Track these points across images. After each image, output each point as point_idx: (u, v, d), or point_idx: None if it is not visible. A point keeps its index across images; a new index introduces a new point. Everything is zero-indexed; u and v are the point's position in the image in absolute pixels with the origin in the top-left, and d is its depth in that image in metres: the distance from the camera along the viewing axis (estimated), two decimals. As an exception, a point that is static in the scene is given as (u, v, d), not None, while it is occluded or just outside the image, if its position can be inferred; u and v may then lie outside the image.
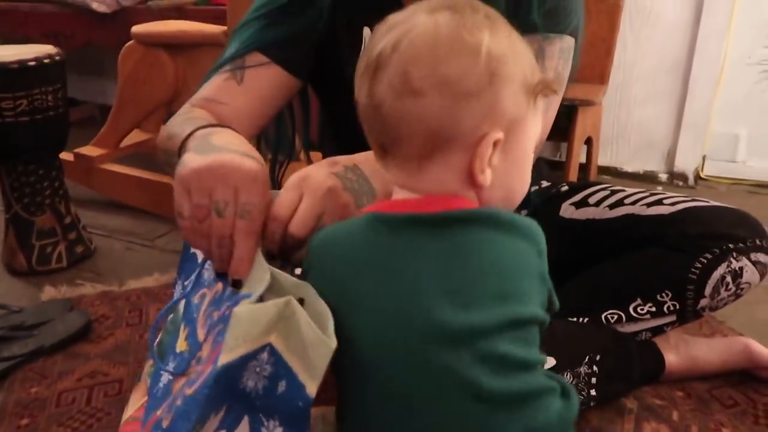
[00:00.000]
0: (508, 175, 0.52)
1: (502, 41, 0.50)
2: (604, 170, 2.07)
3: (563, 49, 0.90)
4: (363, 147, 0.61)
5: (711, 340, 1.07)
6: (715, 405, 0.97)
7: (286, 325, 0.53)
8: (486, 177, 0.50)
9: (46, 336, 1.14)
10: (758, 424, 0.93)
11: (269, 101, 0.90)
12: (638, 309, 0.93)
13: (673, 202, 0.96)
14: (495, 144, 0.50)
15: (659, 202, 0.96)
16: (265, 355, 0.54)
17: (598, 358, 0.91)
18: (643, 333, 0.96)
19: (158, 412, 0.63)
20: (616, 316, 0.94)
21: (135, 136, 1.96)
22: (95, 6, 2.21)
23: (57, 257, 1.45)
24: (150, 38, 1.71)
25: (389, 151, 0.53)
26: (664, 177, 2.03)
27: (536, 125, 0.53)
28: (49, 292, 1.33)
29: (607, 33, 1.84)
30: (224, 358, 0.51)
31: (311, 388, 0.51)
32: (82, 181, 1.84)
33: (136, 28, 1.74)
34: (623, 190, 1.02)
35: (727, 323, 1.19)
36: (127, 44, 1.77)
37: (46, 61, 1.33)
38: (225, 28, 1.60)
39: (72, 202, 1.52)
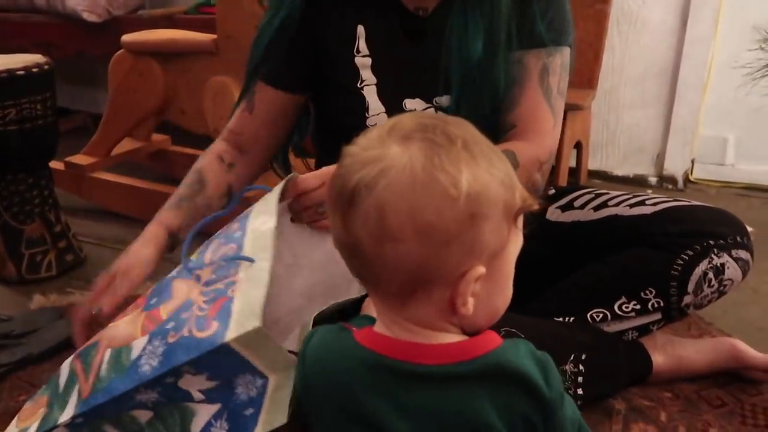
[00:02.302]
0: (490, 298, 0.51)
1: (481, 175, 0.47)
2: (594, 174, 2.08)
3: (564, 63, 0.94)
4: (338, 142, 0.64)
5: (698, 341, 1.08)
6: (703, 405, 0.97)
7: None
8: (469, 308, 0.49)
9: (35, 344, 1.14)
10: (745, 425, 0.93)
11: (279, 122, 1.01)
12: (623, 307, 0.94)
13: (655, 203, 0.97)
14: (477, 278, 0.48)
15: (642, 203, 0.98)
16: (258, 381, 0.61)
17: (584, 357, 0.91)
18: (629, 332, 0.97)
19: (163, 314, 0.67)
20: (601, 315, 0.95)
21: (126, 145, 1.96)
22: (86, 16, 2.22)
23: (47, 266, 1.45)
24: (140, 47, 1.72)
25: (369, 285, 0.52)
26: (653, 180, 2.05)
27: (518, 242, 0.52)
28: (38, 301, 1.33)
29: (594, 38, 1.85)
30: (230, 335, 0.58)
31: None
32: (72, 189, 1.84)
33: (126, 37, 1.74)
34: (607, 193, 1.04)
35: (715, 324, 1.20)
36: (117, 53, 1.77)
37: (34, 70, 1.34)
38: (215, 36, 1.61)
39: (62, 210, 1.52)
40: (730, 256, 0.91)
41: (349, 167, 0.49)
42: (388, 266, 0.47)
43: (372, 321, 0.61)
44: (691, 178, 2.05)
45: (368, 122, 0.95)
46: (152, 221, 0.91)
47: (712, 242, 0.91)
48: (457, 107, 0.91)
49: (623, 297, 0.94)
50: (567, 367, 0.90)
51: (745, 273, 0.94)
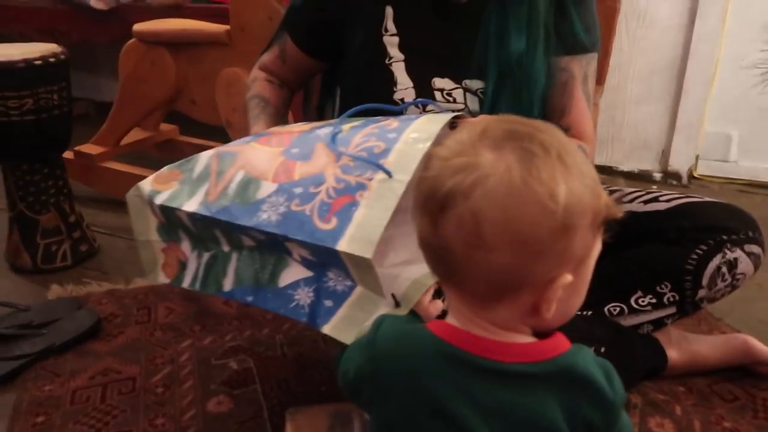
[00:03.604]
0: (569, 301, 0.52)
1: (576, 186, 0.46)
2: (599, 169, 2.09)
3: (595, 69, 0.99)
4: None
5: (711, 337, 1.10)
6: (716, 400, 1.00)
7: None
8: (551, 312, 0.50)
9: (56, 334, 1.15)
10: (757, 418, 0.96)
11: (305, 74, 1.13)
12: (639, 301, 0.97)
13: (668, 199, 1.00)
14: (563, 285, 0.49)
15: (655, 200, 1.01)
16: (348, 282, 0.67)
17: (603, 350, 0.94)
18: (645, 326, 0.99)
19: (296, 174, 0.71)
20: (618, 309, 0.98)
21: (134, 134, 1.96)
22: (93, 3, 2.20)
23: (62, 256, 1.45)
24: (152, 36, 1.71)
25: (452, 284, 0.52)
26: (658, 176, 2.07)
27: (598, 247, 0.52)
28: (55, 291, 1.34)
29: (603, 35, 1.85)
30: (343, 246, 0.62)
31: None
32: (81, 179, 1.84)
33: (138, 26, 1.73)
34: (620, 190, 1.07)
35: (724, 320, 1.23)
36: (128, 42, 1.76)
37: (51, 60, 1.34)
38: (228, 27, 1.61)
39: (76, 200, 1.53)
40: (743, 250, 0.94)
41: (441, 171, 0.48)
42: (477, 272, 0.48)
43: (419, 319, 0.63)
44: (695, 174, 2.08)
45: (395, 96, 0.97)
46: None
47: (725, 237, 0.94)
48: (495, 97, 0.94)
49: (639, 291, 0.97)
50: None
51: (756, 267, 0.97)
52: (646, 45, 1.97)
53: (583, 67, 0.97)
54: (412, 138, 0.67)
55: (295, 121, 1.27)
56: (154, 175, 0.82)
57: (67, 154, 1.77)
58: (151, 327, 1.21)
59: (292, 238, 0.66)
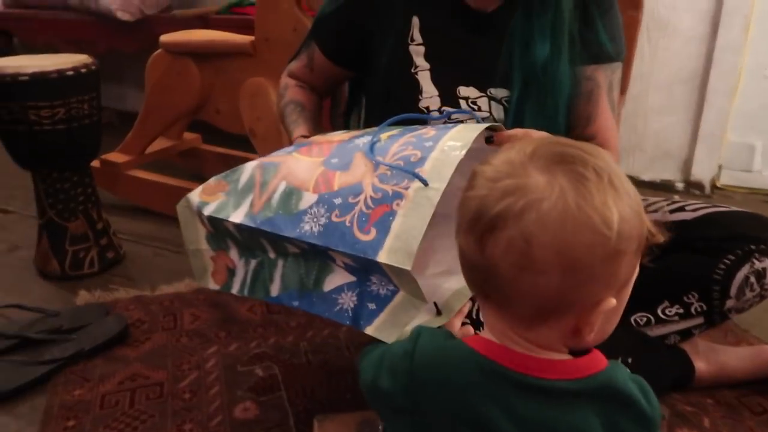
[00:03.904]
0: (607, 322, 0.52)
1: (627, 212, 0.46)
2: (620, 179, 2.09)
3: (619, 79, 1.00)
4: (387, 117, 0.78)
5: (739, 348, 1.09)
6: (745, 412, 0.99)
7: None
8: (593, 335, 0.50)
9: (85, 340, 1.17)
10: (787, 431, 0.95)
11: (331, 80, 1.14)
12: (666, 311, 0.97)
13: (695, 209, 1.00)
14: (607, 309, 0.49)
15: (681, 209, 1.01)
16: (391, 286, 0.68)
17: (630, 360, 0.93)
18: (672, 336, 0.99)
19: (336, 184, 0.72)
20: (644, 319, 0.98)
21: (158, 143, 1.98)
22: (119, 15, 2.25)
23: (89, 262, 1.48)
24: (178, 47, 1.74)
25: (493, 302, 0.52)
26: (680, 186, 2.06)
27: (637, 270, 0.52)
28: (83, 297, 1.36)
29: (626, 44, 1.86)
30: (383, 257, 0.64)
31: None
32: (107, 186, 1.87)
33: (164, 37, 1.76)
34: (645, 199, 1.06)
35: (751, 332, 1.21)
36: (155, 53, 1.80)
37: (83, 70, 1.37)
38: (252, 38, 1.64)
39: (103, 208, 1.55)
40: None
41: (489, 192, 0.48)
42: (524, 294, 0.48)
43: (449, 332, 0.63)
44: (718, 184, 2.06)
45: (420, 104, 0.98)
46: (295, 137, 1.02)
47: (753, 247, 0.93)
48: (520, 105, 0.95)
49: (666, 301, 0.97)
50: None
51: None
52: (667, 55, 1.96)
53: (608, 76, 0.98)
54: (447, 146, 0.68)
55: (322, 130, 1.30)
56: (201, 186, 0.85)
57: (94, 163, 1.81)
58: (177, 333, 1.23)
59: (334, 249, 0.68)
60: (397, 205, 0.65)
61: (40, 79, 1.31)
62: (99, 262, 1.49)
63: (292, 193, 0.75)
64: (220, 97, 1.76)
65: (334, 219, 0.69)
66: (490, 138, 0.74)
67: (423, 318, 0.66)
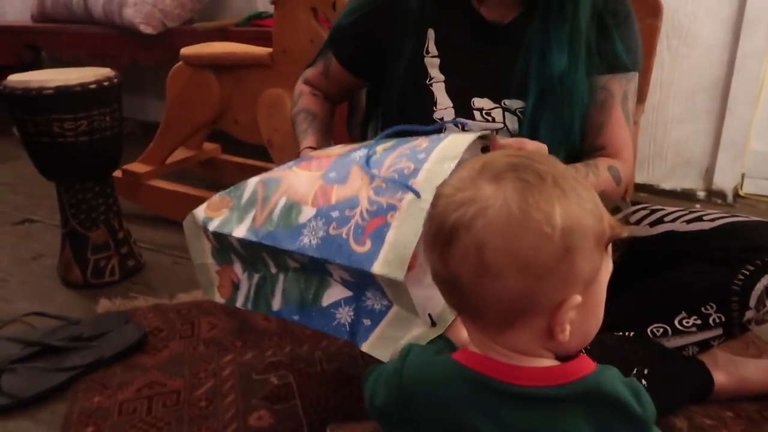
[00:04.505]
0: (584, 323, 0.53)
1: (573, 210, 0.48)
2: (640, 188, 2.07)
3: (635, 89, 1.00)
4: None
5: (760, 360, 1.07)
6: (766, 425, 0.97)
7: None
8: (566, 334, 0.51)
9: (105, 347, 1.19)
10: (811, 446, 0.93)
11: (346, 89, 1.17)
12: (684, 322, 0.95)
13: (712, 218, 0.98)
14: (574, 306, 0.50)
15: (699, 219, 0.99)
16: (385, 301, 0.69)
17: (646, 372, 0.92)
18: (690, 348, 0.97)
19: (333, 197, 0.74)
20: (661, 330, 0.96)
21: (178, 153, 2.02)
22: (142, 28, 2.30)
23: (110, 271, 1.50)
24: (198, 59, 1.78)
25: (465, 314, 0.55)
26: (702, 195, 2.03)
27: (608, 268, 0.53)
28: (104, 305, 1.38)
29: (644, 53, 1.84)
30: (377, 268, 0.65)
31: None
32: (128, 196, 1.90)
33: (185, 50, 1.80)
34: (663, 209, 1.05)
35: (774, 344, 1.19)
36: (175, 65, 1.83)
37: (105, 84, 1.40)
38: (270, 50, 1.66)
39: (124, 217, 1.58)
40: None
41: (445, 207, 0.51)
42: (488, 299, 0.50)
43: (452, 347, 0.64)
44: (741, 192, 2.03)
45: (435, 115, 0.99)
46: (302, 148, 1.05)
47: None
48: (535, 116, 0.95)
49: (683, 312, 0.95)
50: None
51: None
52: (688, 64, 1.94)
53: (623, 86, 0.97)
54: (439, 158, 0.69)
55: (339, 136, 1.32)
56: (207, 202, 0.86)
57: (116, 173, 1.84)
58: (194, 341, 1.24)
59: (331, 261, 0.69)
60: (392, 216, 0.67)
61: (64, 92, 1.34)
62: (120, 270, 1.52)
63: (292, 207, 0.76)
64: (239, 108, 1.78)
65: (332, 232, 0.71)
66: (486, 148, 0.75)
67: (417, 331, 0.66)
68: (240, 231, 0.79)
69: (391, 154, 0.74)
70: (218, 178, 2.14)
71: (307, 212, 0.75)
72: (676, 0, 1.88)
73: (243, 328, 1.28)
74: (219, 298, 0.86)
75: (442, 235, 0.50)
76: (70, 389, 1.11)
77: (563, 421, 0.51)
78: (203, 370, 1.15)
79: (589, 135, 0.97)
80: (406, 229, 0.65)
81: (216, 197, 0.86)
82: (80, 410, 1.05)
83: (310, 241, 0.72)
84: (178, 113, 1.85)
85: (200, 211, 0.85)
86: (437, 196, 0.53)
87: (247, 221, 0.80)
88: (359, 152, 0.79)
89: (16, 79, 1.38)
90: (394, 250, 0.65)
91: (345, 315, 0.72)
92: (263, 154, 1.81)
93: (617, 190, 0.97)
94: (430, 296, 0.69)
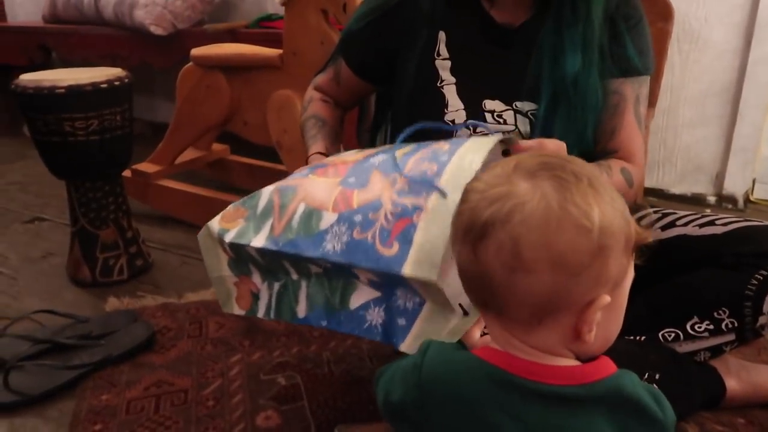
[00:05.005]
0: (608, 325, 0.53)
1: (608, 210, 0.49)
2: (650, 192, 2.06)
3: (647, 92, 0.99)
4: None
5: (772, 367, 1.06)
6: (779, 433, 0.96)
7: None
8: (592, 335, 0.51)
9: (113, 345, 1.19)
10: (824, 454, 0.92)
11: (357, 94, 1.16)
12: (696, 327, 0.94)
13: (725, 223, 0.97)
14: (602, 307, 0.50)
15: (711, 223, 0.98)
16: (417, 299, 0.68)
17: (657, 376, 0.91)
18: (702, 353, 0.96)
19: (355, 202, 0.73)
20: (673, 334, 0.95)
21: (187, 154, 2.02)
22: (153, 29, 2.31)
23: (119, 270, 1.51)
24: (208, 60, 1.78)
25: (492, 310, 0.54)
26: (712, 200, 2.02)
27: (631, 273, 0.53)
28: (112, 303, 1.39)
29: (655, 57, 1.84)
30: (407, 270, 0.65)
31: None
32: (137, 196, 1.91)
33: (195, 51, 1.80)
34: (674, 213, 1.04)
35: (786, 350, 1.18)
36: (185, 66, 1.84)
37: (116, 83, 1.40)
38: (280, 51, 1.66)
39: (133, 217, 1.59)
40: None
41: (478, 203, 0.50)
42: (518, 295, 0.49)
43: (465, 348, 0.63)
44: (752, 198, 2.01)
45: (446, 117, 0.98)
46: (311, 154, 1.05)
47: None
48: (548, 118, 0.94)
49: (695, 317, 0.94)
50: None
51: None
52: (699, 68, 1.93)
53: (635, 89, 0.97)
54: (464, 158, 0.69)
55: (349, 141, 1.32)
56: (221, 214, 0.85)
57: (126, 173, 1.85)
58: (202, 341, 1.24)
59: (357, 265, 0.69)
60: (417, 217, 0.66)
61: (75, 91, 1.35)
62: (128, 269, 1.52)
63: (312, 214, 0.76)
64: (248, 110, 1.79)
65: (356, 236, 0.70)
66: (506, 151, 0.75)
67: (453, 323, 0.66)
68: (258, 241, 0.78)
69: (413, 157, 0.74)
70: (227, 179, 2.14)
71: (329, 218, 0.74)
72: (687, 4, 1.87)
73: (251, 328, 1.28)
74: (238, 310, 0.84)
75: (475, 230, 0.50)
76: (78, 387, 1.11)
77: (583, 421, 0.51)
78: (211, 370, 1.15)
79: (601, 139, 0.96)
80: (434, 229, 0.64)
81: (230, 208, 0.85)
82: (88, 408, 1.05)
83: (333, 246, 0.72)
84: (187, 114, 1.86)
85: (215, 223, 0.84)
86: (468, 191, 0.53)
87: (265, 230, 0.79)
88: (378, 157, 0.79)
89: (27, 78, 1.39)
90: (424, 251, 0.64)
91: (376, 316, 0.71)
92: (272, 156, 1.81)
93: (629, 193, 0.96)
94: (459, 287, 0.70)
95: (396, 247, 0.66)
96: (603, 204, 0.49)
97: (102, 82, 1.38)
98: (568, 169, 0.50)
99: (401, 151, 0.77)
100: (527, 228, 0.48)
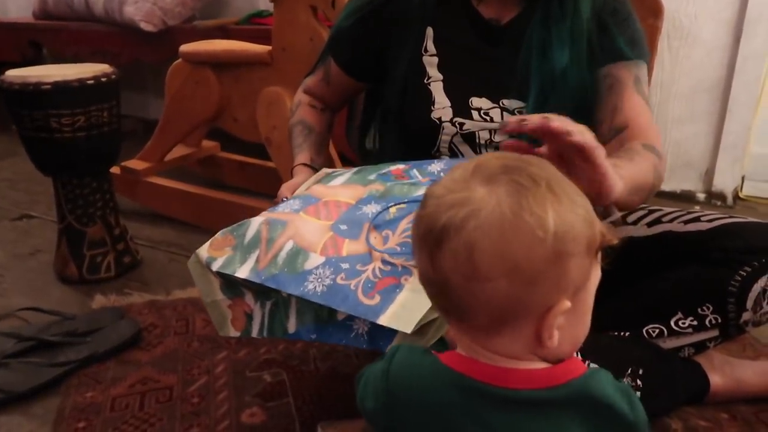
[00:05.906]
0: (573, 328, 0.52)
1: (565, 214, 0.48)
2: (640, 189, 2.06)
3: (646, 77, 0.96)
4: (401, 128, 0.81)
5: (756, 362, 1.06)
6: (762, 428, 0.96)
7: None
8: (554, 340, 0.50)
9: (99, 343, 1.19)
10: (806, 449, 0.92)
11: (347, 93, 1.16)
12: (680, 323, 0.94)
13: (710, 219, 0.98)
14: (562, 312, 0.49)
15: (697, 219, 0.98)
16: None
17: (641, 371, 0.92)
18: (686, 349, 0.96)
19: (344, 251, 0.75)
20: (657, 330, 0.95)
21: (177, 150, 2.01)
22: (143, 26, 2.29)
23: (106, 267, 1.50)
24: (197, 57, 1.77)
25: (452, 317, 0.54)
26: (701, 197, 2.02)
27: (597, 275, 0.52)
28: (99, 301, 1.38)
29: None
30: (384, 320, 0.67)
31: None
32: (126, 193, 1.90)
33: (184, 47, 1.79)
34: (660, 209, 1.04)
35: (771, 346, 1.18)
36: (174, 62, 1.83)
37: (103, 80, 1.40)
38: (270, 48, 1.66)
39: (120, 214, 1.58)
40: None
41: (436, 208, 0.49)
42: (476, 303, 0.49)
43: (445, 346, 0.63)
44: (741, 194, 2.02)
45: (433, 115, 0.98)
46: (296, 165, 1.06)
47: None
48: (538, 112, 0.92)
49: (680, 313, 0.95)
50: (624, 380, 0.90)
51: None
52: (689, 64, 1.93)
53: (631, 71, 0.94)
54: None
55: (338, 141, 1.31)
56: (209, 241, 0.86)
57: (114, 169, 1.84)
58: (188, 338, 1.24)
59: (335, 309, 0.70)
60: (405, 280, 0.68)
61: (61, 87, 1.34)
62: (115, 266, 1.51)
63: (298, 253, 0.77)
64: (238, 106, 1.78)
65: (339, 281, 0.72)
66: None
67: (435, 314, 0.66)
68: (243, 272, 0.79)
69: (406, 218, 0.75)
70: (217, 176, 2.13)
71: (315, 260, 0.75)
72: (676, 1, 1.87)
73: (238, 325, 1.28)
74: (233, 333, 0.85)
75: (432, 236, 0.49)
76: (63, 384, 1.11)
77: (553, 424, 0.50)
78: (197, 367, 1.14)
79: (606, 118, 0.93)
80: (420, 296, 0.62)
81: (219, 235, 0.86)
82: (72, 405, 1.04)
83: (315, 287, 0.73)
84: (176, 110, 1.85)
85: (203, 251, 0.85)
86: (427, 197, 0.52)
87: (250, 262, 0.80)
88: (370, 206, 0.80)
89: (14, 74, 1.38)
90: (405, 310, 0.65)
91: (361, 324, 0.72)
92: (262, 152, 1.81)
93: (661, 165, 0.91)
94: None
95: (377, 299, 0.68)
96: (561, 208, 0.48)
97: (89, 79, 1.37)
98: (527, 172, 0.49)
99: (395, 208, 0.79)
100: (482, 235, 0.47)
